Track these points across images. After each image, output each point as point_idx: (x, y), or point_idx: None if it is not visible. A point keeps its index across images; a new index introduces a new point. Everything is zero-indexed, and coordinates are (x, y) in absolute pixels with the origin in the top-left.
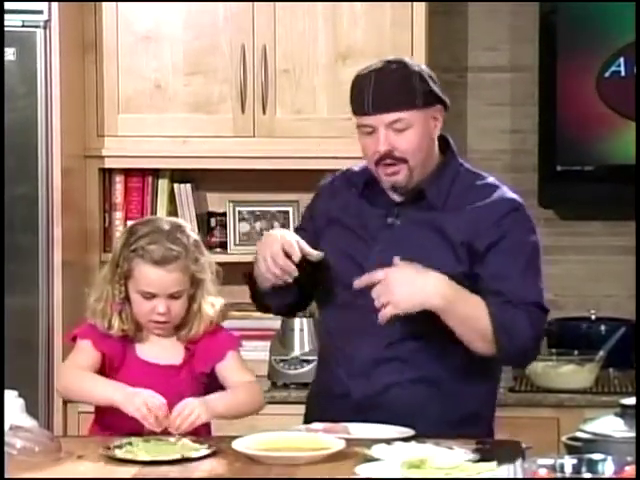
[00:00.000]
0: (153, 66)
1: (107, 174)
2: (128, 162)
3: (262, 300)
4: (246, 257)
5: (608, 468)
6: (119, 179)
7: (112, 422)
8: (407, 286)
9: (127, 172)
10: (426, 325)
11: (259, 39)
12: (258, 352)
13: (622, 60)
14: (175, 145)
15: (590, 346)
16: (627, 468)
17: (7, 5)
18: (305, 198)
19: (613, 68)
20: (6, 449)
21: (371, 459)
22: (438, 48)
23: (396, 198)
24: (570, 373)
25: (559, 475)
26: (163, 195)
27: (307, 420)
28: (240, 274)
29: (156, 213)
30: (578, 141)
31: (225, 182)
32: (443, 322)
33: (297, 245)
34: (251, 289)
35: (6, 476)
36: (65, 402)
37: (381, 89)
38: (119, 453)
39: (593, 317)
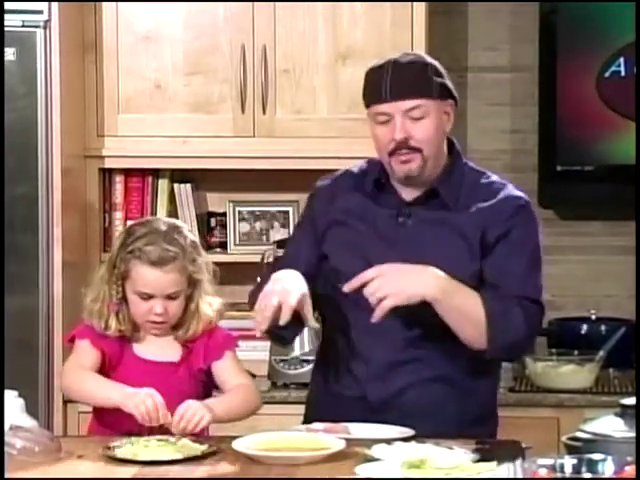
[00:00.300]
0: (153, 66)
1: (107, 174)
2: (128, 162)
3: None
4: (246, 257)
5: (608, 468)
6: (119, 179)
7: (111, 421)
8: (403, 277)
9: (127, 172)
10: (439, 325)
11: (259, 39)
12: (258, 352)
13: (622, 60)
14: (175, 145)
15: (590, 346)
16: (627, 468)
17: (7, 5)
18: (305, 198)
19: (613, 68)
20: (6, 449)
21: (371, 459)
22: (438, 48)
23: (406, 197)
24: (570, 373)
25: (559, 475)
26: (163, 195)
27: (308, 422)
28: (240, 274)
29: (156, 213)
30: (578, 141)
31: (225, 182)
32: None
33: (299, 303)
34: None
35: (6, 476)
36: (65, 402)
37: (399, 77)
38: (119, 453)
39: (593, 317)
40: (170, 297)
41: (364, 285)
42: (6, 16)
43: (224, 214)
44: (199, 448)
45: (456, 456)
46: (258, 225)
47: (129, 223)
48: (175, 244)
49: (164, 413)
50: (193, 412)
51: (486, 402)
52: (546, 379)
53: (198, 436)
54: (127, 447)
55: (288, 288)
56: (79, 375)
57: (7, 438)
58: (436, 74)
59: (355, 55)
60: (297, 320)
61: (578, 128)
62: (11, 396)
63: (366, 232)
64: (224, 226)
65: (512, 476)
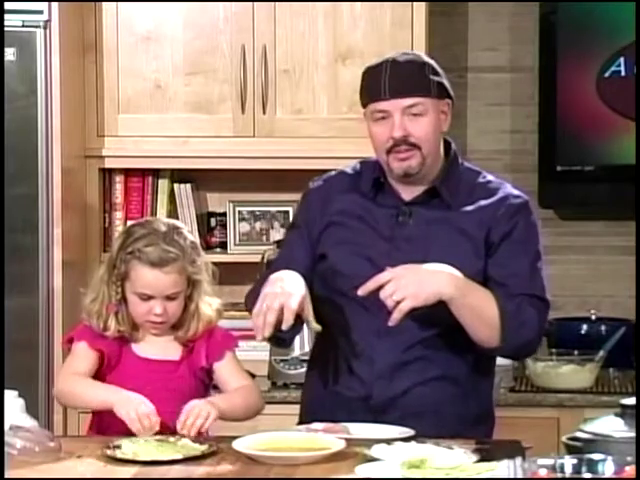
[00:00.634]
0: (153, 66)
1: (107, 174)
2: (128, 162)
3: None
4: (246, 257)
5: (608, 468)
6: (119, 179)
7: (109, 425)
8: (419, 278)
9: (127, 172)
10: (443, 324)
11: (259, 39)
12: (258, 352)
13: (622, 60)
14: (175, 145)
15: (590, 346)
16: (627, 468)
17: (7, 5)
18: None
19: (613, 68)
20: (6, 449)
21: (371, 459)
22: (438, 48)
23: (406, 197)
24: (570, 373)
25: (559, 475)
26: (163, 195)
27: (304, 423)
28: (240, 274)
29: (156, 213)
30: (578, 141)
31: (225, 182)
32: (454, 321)
33: (300, 306)
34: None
35: (6, 476)
36: None
37: (397, 75)
38: (119, 453)
39: (593, 317)
40: (170, 298)
41: (379, 288)
42: (6, 16)
43: (224, 214)
44: (199, 448)
45: (456, 456)
46: (258, 225)
47: (129, 223)
48: (175, 245)
49: (155, 421)
50: (199, 411)
51: (485, 401)
52: (546, 379)
53: (198, 436)
54: (127, 447)
55: (288, 290)
56: (73, 380)
57: (7, 438)
58: (434, 73)
59: (355, 55)
60: (296, 322)
61: (578, 128)
62: (11, 396)
63: (366, 231)
64: (224, 226)
65: (512, 476)
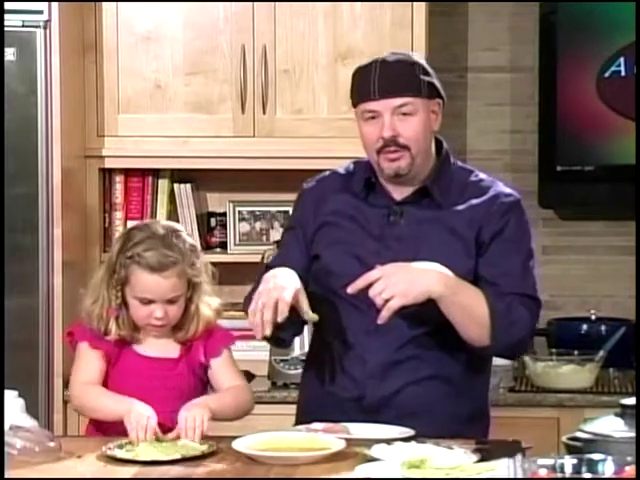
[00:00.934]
0: (153, 66)
1: (107, 174)
2: (128, 162)
3: (275, 335)
4: (246, 257)
5: (608, 468)
6: (119, 179)
7: (108, 425)
8: (408, 276)
9: (127, 172)
10: (434, 322)
11: (259, 39)
12: (258, 352)
13: (622, 60)
14: (175, 145)
15: (590, 346)
16: (627, 468)
17: (7, 5)
18: None
19: (613, 68)
20: (6, 449)
21: (371, 459)
22: (438, 48)
23: (397, 197)
24: (570, 373)
25: (559, 475)
26: (163, 195)
27: (301, 424)
28: (240, 274)
29: (156, 213)
30: (578, 141)
31: (225, 182)
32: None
33: (294, 298)
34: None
35: (6, 476)
36: (65, 402)
37: (387, 75)
38: (119, 453)
39: (593, 317)
40: (170, 301)
41: (368, 286)
42: (6, 16)
43: (224, 214)
44: (199, 448)
45: (456, 456)
46: (258, 225)
47: (129, 225)
48: (174, 249)
49: (151, 438)
50: (193, 419)
51: (480, 400)
52: (546, 379)
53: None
54: (127, 447)
55: (281, 284)
56: (85, 393)
57: (7, 438)
58: (424, 73)
59: (355, 55)
60: (294, 320)
61: (578, 128)
62: (11, 396)
63: (357, 231)
64: (224, 226)
65: (512, 476)
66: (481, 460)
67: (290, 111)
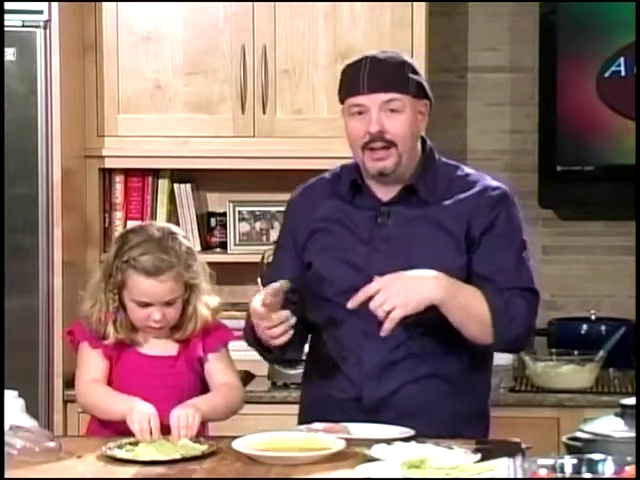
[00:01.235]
0: (153, 66)
1: (107, 174)
2: (128, 162)
3: (286, 357)
4: (246, 257)
5: (608, 468)
6: (119, 179)
7: (107, 424)
8: (407, 286)
9: (127, 172)
10: (431, 321)
11: (259, 39)
12: None
13: (622, 60)
14: (175, 145)
15: (590, 346)
16: (627, 468)
17: (7, 5)
18: None
19: (613, 68)
20: (6, 449)
21: (371, 459)
22: (438, 48)
23: (383, 197)
24: (570, 373)
25: (559, 475)
26: (163, 195)
27: (303, 424)
28: (240, 274)
29: (156, 213)
30: (578, 141)
31: (225, 182)
32: (441, 319)
33: (273, 290)
34: (271, 359)
35: (6, 476)
36: (65, 402)
37: (376, 70)
38: (119, 453)
39: (593, 317)
40: (167, 303)
41: (369, 298)
42: (6, 16)
43: (224, 214)
44: (199, 448)
45: (456, 456)
46: (258, 225)
47: (129, 225)
48: (170, 252)
49: (157, 436)
50: (185, 417)
51: (480, 399)
52: (546, 379)
53: (198, 436)
54: (127, 447)
55: (255, 301)
56: (90, 391)
57: (7, 438)
58: (413, 72)
59: (355, 55)
60: (299, 337)
61: (578, 128)
62: (11, 396)
63: (347, 236)
64: (224, 226)
65: (512, 476)
66: (481, 460)
67: (290, 111)
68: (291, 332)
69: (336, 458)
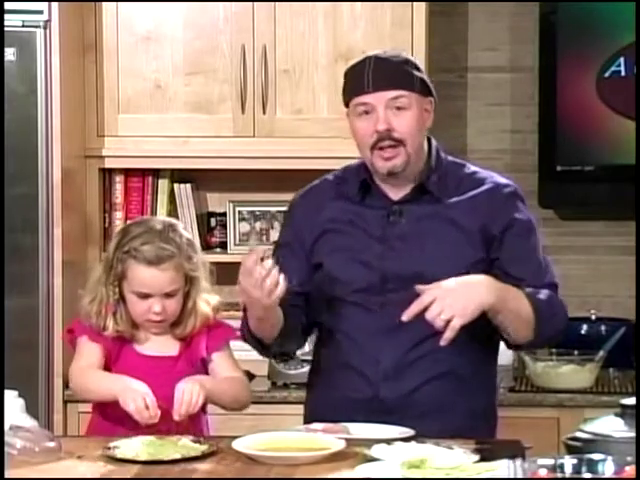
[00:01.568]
0: (153, 66)
1: (107, 174)
2: (128, 162)
3: (280, 347)
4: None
5: (608, 468)
6: (119, 179)
7: (113, 411)
8: (462, 294)
9: (127, 172)
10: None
11: (259, 39)
12: None
13: (622, 60)
14: (175, 145)
15: (590, 346)
16: (627, 468)
17: (7, 5)
18: None
19: (613, 68)
20: (6, 449)
21: (371, 459)
22: (438, 48)
23: (394, 197)
24: (570, 373)
25: (559, 475)
26: (163, 195)
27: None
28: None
29: (156, 213)
30: (578, 141)
31: (225, 182)
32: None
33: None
34: (262, 346)
35: (6, 476)
36: (65, 402)
37: (381, 69)
38: (119, 453)
39: (593, 317)
40: (168, 295)
41: (423, 310)
42: (6, 16)
43: (224, 214)
44: (199, 448)
45: (456, 456)
46: (258, 225)
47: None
48: (171, 242)
49: (155, 413)
50: (190, 392)
51: (490, 396)
52: (546, 379)
53: (198, 436)
54: (127, 447)
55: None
56: (83, 374)
57: (7, 438)
58: (416, 69)
59: (355, 55)
60: (296, 329)
61: (578, 128)
62: (11, 396)
63: (359, 236)
64: (224, 226)
65: (512, 476)
66: (481, 460)
67: (290, 111)
68: (283, 285)
69: (336, 458)
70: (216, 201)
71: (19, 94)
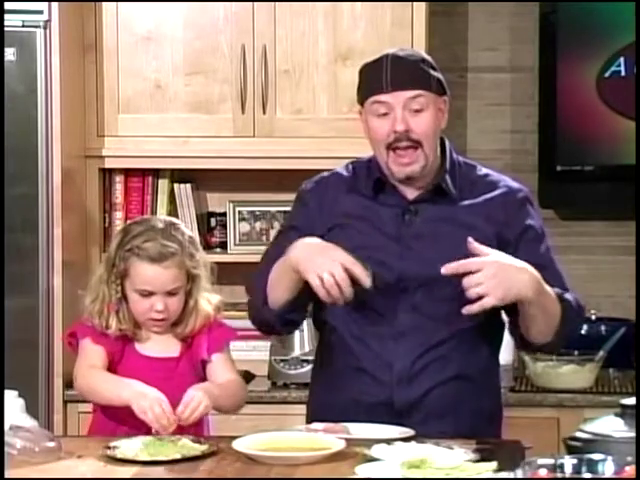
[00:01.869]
0: (153, 66)
1: (107, 174)
2: (128, 162)
3: (284, 316)
4: (246, 257)
5: (608, 468)
6: (119, 179)
7: (115, 411)
8: (507, 277)
9: (127, 172)
10: (457, 323)
11: (259, 39)
12: (258, 352)
13: (622, 60)
14: (175, 145)
15: (590, 346)
16: (627, 468)
17: (7, 5)
18: None
19: (613, 68)
20: (6, 449)
21: (371, 459)
22: (438, 48)
23: (409, 196)
24: (570, 373)
25: (559, 475)
26: (163, 195)
27: None
28: (240, 274)
29: (156, 213)
30: (578, 141)
31: (225, 182)
32: (470, 319)
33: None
34: (272, 321)
35: (6, 476)
36: (65, 402)
37: (399, 68)
38: (119, 453)
39: (593, 317)
40: (170, 293)
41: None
42: (6, 16)
43: (224, 214)
44: (199, 448)
45: (456, 456)
46: (258, 225)
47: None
48: (173, 240)
49: (174, 419)
50: (197, 402)
51: (497, 396)
52: (546, 379)
53: (198, 436)
54: (127, 447)
55: (335, 253)
56: (89, 375)
57: (7, 438)
58: (432, 68)
59: (355, 55)
60: (305, 299)
61: (578, 128)
62: (11, 396)
63: (373, 234)
64: (224, 226)
65: (512, 476)
66: (481, 460)
67: (290, 111)
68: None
69: (336, 458)
70: (216, 201)
71: (19, 94)
